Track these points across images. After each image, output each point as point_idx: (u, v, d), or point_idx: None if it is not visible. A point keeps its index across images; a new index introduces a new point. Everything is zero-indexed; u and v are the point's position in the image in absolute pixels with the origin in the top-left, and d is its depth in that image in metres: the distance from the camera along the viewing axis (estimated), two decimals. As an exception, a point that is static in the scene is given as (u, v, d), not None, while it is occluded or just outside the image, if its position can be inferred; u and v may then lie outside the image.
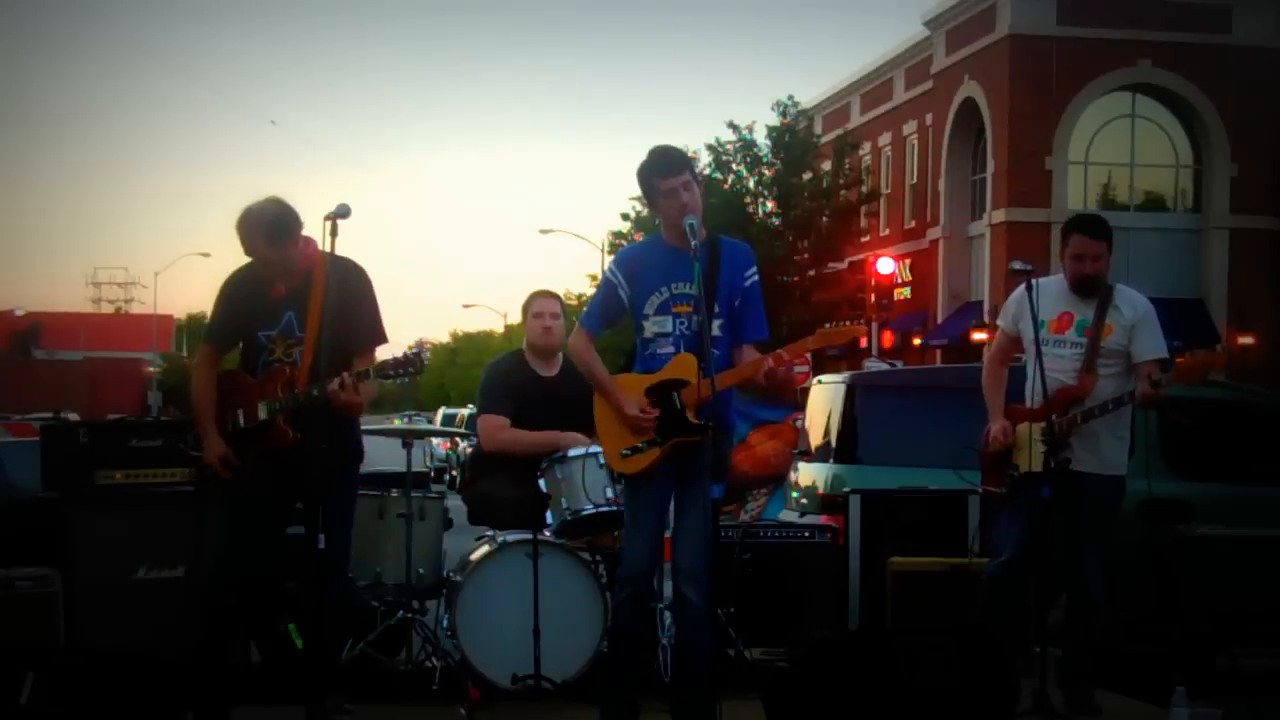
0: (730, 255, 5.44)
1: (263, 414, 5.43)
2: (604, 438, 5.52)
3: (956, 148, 32.81)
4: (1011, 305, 6.14)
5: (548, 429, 6.54)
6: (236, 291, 5.58)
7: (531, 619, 5.97)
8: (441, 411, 40.07)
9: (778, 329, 31.61)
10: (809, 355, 5.58)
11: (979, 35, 31.13)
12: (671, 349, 5.40)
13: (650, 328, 5.43)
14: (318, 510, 5.27)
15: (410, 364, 5.23)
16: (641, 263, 5.47)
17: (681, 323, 5.38)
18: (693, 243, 5.21)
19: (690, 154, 29.30)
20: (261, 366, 5.50)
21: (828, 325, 6.11)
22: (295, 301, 5.47)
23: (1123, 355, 5.98)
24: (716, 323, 5.36)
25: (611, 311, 5.51)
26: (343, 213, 5.20)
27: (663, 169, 5.38)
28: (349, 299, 5.38)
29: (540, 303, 6.81)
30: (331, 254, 5.30)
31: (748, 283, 5.44)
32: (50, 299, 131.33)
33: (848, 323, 6.48)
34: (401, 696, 6.17)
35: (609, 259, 41.08)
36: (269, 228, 5.42)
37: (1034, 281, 5.98)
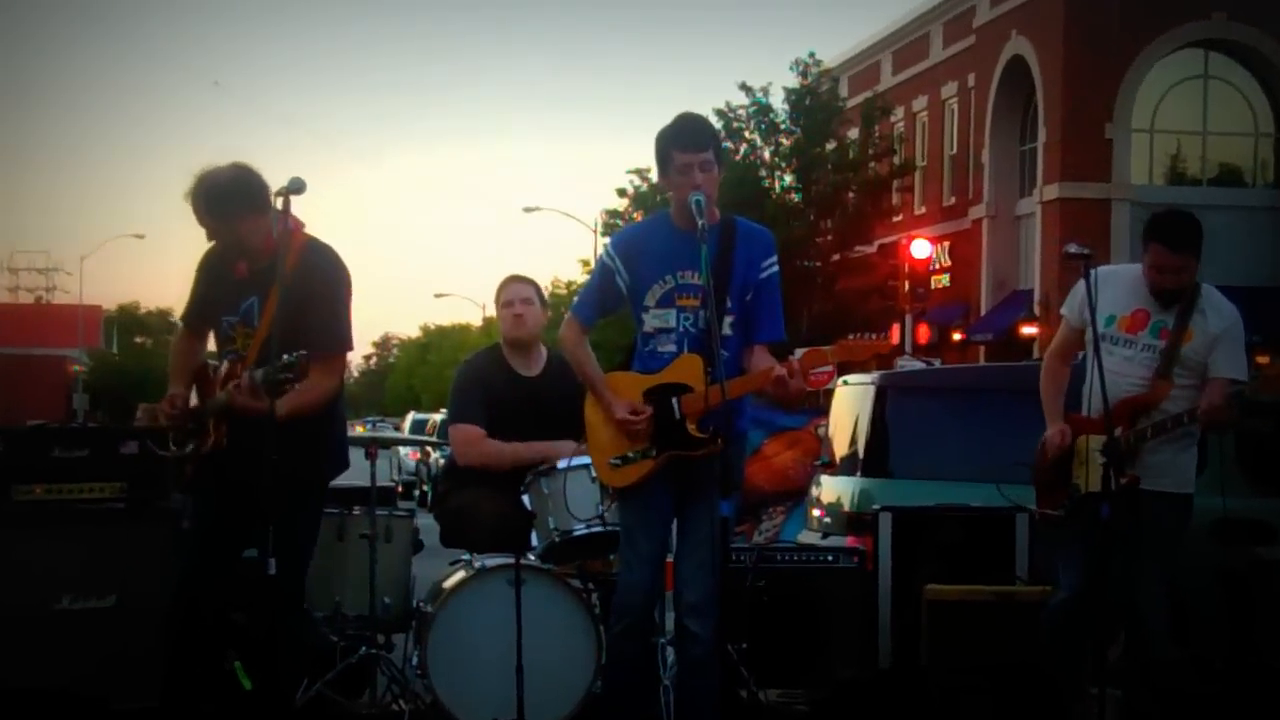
0: (747, 241, 5.44)
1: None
2: (594, 444, 5.54)
3: (1003, 113, 32.81)
4: (1079, 292, 6.08)
5: (529, 436, 6.55)
6: (207, 268, 5.73)
7: (514, 656, 5.96)
8: (410, 417, 40.09)
9: (797, 322, 31.60)
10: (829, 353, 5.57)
11: (1029, -16, 31.15)
12: (674, 348, 5.40)
13: (651, 321, 5.43)
14: (269, 529, 5.27)
15: (288, 369, 5.18)
16: (643, 246, 5.47)
17: (686, 318, 5.38)
18: (699, 222, 5.21)
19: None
20: (225, 359, 5.63)
21: (850, 337, 6.15)
22: (259, 287, 5.52)
23: (1198, 369, 5.94)
24: (727, 320, 5.35)
25: (608, 300, 5.51)
26: (296, 188, 5.20)
27: (684, 139, 5.38)
28: (310, 292, 5.38)
29: (510, 289, 6.82)
30: (311, 239, 5.34)
31: (765, 274, 5.44)
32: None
33: (872, 335, 6.46)
34: (364, 745, 6.18)
35: (605, 241, 40.95)
36: (209, 194, 5.48)
37: (1093, 270, 5.94)
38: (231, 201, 5.48)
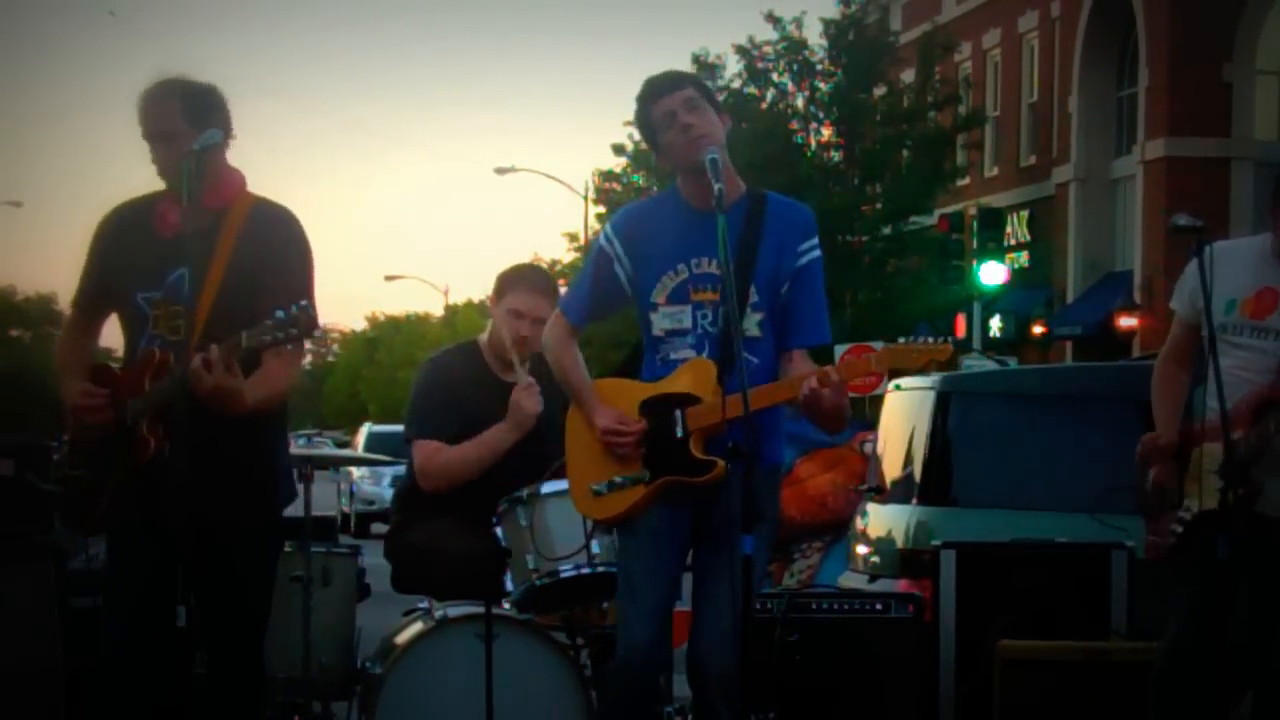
0: (780, 219, 5.44)
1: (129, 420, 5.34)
2: (573, 466, 5.55)
3: (1095, 51, 32.81)
4: (1189, 279, 6.09)
5: (511, 457, 6.55)
6: (113, 232, 5.55)
7: (483, 728, 5.99)
8: (365, 430, 39.84)
9: (839, 313, 31.58)
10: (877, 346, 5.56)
11: (1127, -111, 31.16)
12: (691, 353, 5.39)
13: (660, 322, 5.42)
14: (214, 568, 5.27)
15: (295, 324, 5.08)
16: (650, 227, 5.47)
17: (704, 315, 5.38)
18: (715, 186, 5.19)
19: (713, 58, 28.57)
20: (143, 348, 5.40)
21: (902, 340, 6.13)
22: (191, 253, 5.34)
23: None
24: (754, 318, 5.34)
25: (605, 295, 5.52)
26: (213, 143, 5.20)
27: (654, 88, 5.42)
28: (271, 260, 5.32)
29: (527, 298, 6.65)
30: (264, 199, 5.30)
31: (804, 260, 5.44)
32: None
33: (930, 339, 6.42)
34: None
35: (598, 213, 40.62)
36: (192, 94, 5.39)
37: (1209, 247, 5.94)
38: (212, 108, 5.39)
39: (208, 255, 5.33)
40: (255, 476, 5.43)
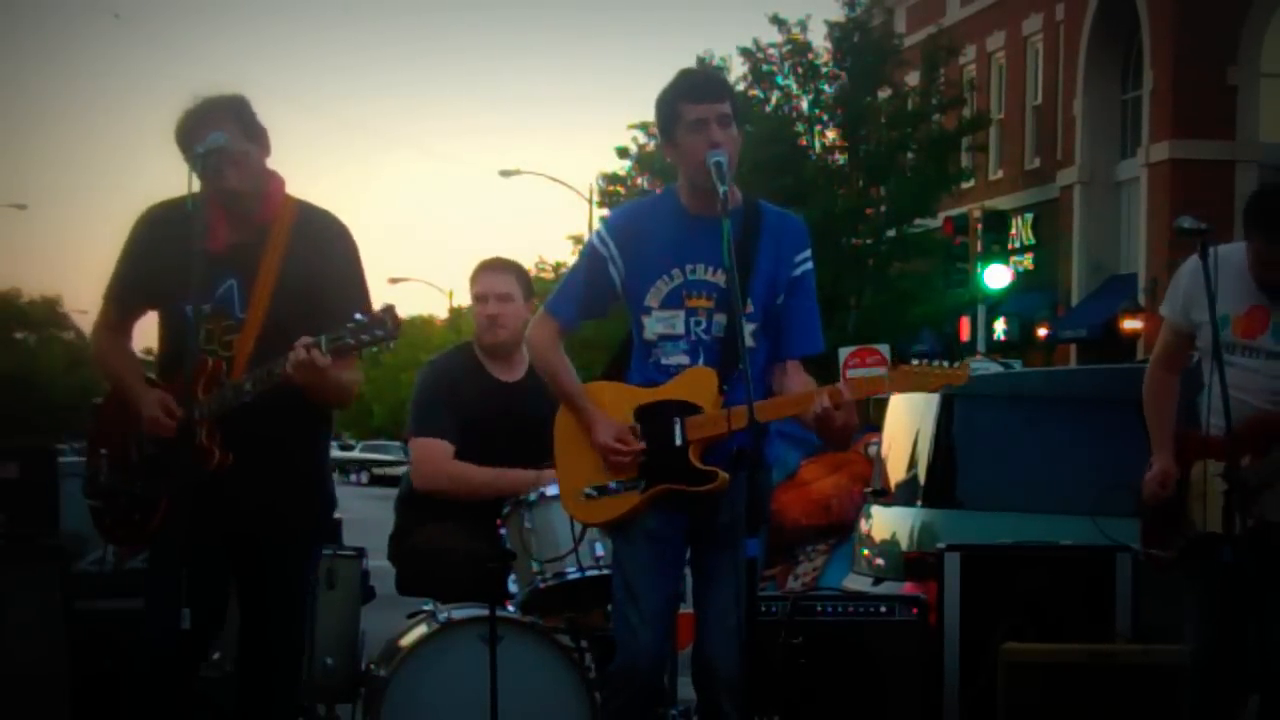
0: (775, 229, 5.44)
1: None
2: (563, 468, 5.54)
3: (1099, 54, 32.80)
4: (1182, 284, 6.05)
5: (506, 454, 6.59)
6: (153, 234, 5.41)
7: (488, 731, 5.99)
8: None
9: (842, 316, 31.59)
10: (885, 353, 5.57)
11: (1132, -108, 31.14)
12: (685, 359, 5.37)
13: (653, 326, 5.41)
14: (264, 573, 5.29)
15: (380, 325, 5.08)
16: (646, 230, 5.45)
17: (699, 322, 5.37)
18: (720, 189, 5.19)
19: (717, 60, 28.83)
20: (189, 360, 5.26)
21: (916, 363, 6.16)
22: (241, 264, 5.32)
23: None
24: (750, 327, 5.32)
25: (596, 296, 5.50)
26: (218, 146, 5.20)
27: (694, 90, 5.38)
28: (327, 269, 5.30)
29: (482, 280, 6.82)
30: (306, 203, 5.26)
31: (798, 271, 5.44)
32: None
33: (943, 364, 6.41)
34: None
35: (602, 215, 40.76)
36: (242, 110, 5.35)
37: (1212, 249, 5.93)
38: (258, 123, 5.35)
39: (255, 269, 5.31)
40: (307, 483, 5.44)
